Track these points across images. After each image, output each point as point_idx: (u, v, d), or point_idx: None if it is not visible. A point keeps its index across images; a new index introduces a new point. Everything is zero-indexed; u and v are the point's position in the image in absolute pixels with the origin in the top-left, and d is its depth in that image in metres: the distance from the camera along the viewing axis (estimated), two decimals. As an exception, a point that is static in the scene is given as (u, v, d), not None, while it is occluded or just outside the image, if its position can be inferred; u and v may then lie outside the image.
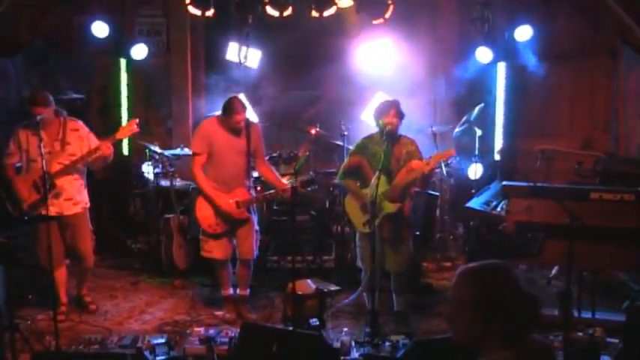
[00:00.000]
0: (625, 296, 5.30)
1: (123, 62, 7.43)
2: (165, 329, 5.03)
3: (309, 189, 6.22)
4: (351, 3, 5.98)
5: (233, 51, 6.80)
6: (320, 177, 6.45)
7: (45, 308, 5.27)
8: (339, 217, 6.43)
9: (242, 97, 5.35)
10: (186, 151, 6.48)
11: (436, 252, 6.73)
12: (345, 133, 6.44)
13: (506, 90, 7.36)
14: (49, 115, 5.04)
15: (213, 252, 5.21)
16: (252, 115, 6.60)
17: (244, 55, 6.53)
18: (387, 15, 6.03)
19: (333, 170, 6.70)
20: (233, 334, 4.38)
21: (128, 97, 7.52)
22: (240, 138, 5.13)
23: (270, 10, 5.96)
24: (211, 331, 4.49)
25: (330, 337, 4.70)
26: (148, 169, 6.74)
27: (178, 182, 6.48)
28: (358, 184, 5.00)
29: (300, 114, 7.56)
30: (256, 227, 5.28)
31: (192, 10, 6.09)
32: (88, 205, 5.35)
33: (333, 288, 5.09)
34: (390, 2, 5.96)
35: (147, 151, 6.56)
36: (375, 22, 6.15)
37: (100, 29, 6.95)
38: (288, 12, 5.97)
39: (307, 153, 6.37)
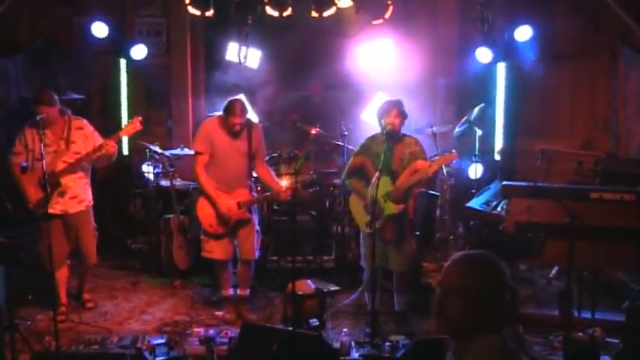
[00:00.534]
0: (625, 296, 5.31)
1: (123, 62, 7.42)
2: (165, 329, 5.03)
3: (310, 190, 6.22)
4: (351, 3, 5.98)
5: (233, 51, 6.79)
6: (320, 177, 6.45)
7: (45, 308, 5.27)
8: (339, 217, 6.43)
9: (243, 98, 5.34)
10: (187, 151, 6.48)
11: (436, 252, 6.72)
12: (345, 133, 6.43)
13: (506, 90, 7.35)
14: (54, 114, 5.12)
15: (214, 252, 5.21)
16: (252, 115, 6.59)
17: (244, 56, 6.53)
18: (387, 15, 6.03)
19: (334, 170, 6.71)
20: (233, 335, 4.38)
21: (128, 97, 7.51)
22: (242, 139, 5.14)
23: (270, 11, 5.96)
24: (211, 332, 4.49)
25: (330, 337, 4.70)
26: (148, 169, 6.75)
27: (178, 182, 6.48)
28: (363, 183, 5.00)
29: (299, 113, 7.55)
30: (257, 227, 5.29)
31: (192, 10, 6.09)
32: (92, 203, 5.41)
33: (333, 288, 5.09)
34: (389, 2, 5.95)
35: (147, 151, 6.56)
36: (374, 22, 6.15)
37: (100, 29, 6.95)
38: (287, 12, 5.97)
39: (307, 150, 6.37)
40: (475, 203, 5.93)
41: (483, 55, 6.92)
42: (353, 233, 6.27)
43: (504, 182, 5.35)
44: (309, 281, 4.98)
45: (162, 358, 4.27)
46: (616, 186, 5.13)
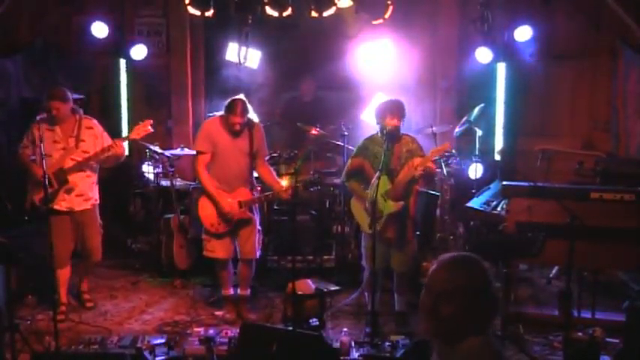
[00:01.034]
0: (625, 296, 5.30)
1: (123, 62, 7.42)
2: (165, 329, 5.03)
3: (312, 190, 6.22)
4: (351, 3, 5.97)
5: (233, 51, 6.79)
6: (320, 177, 6.44)
7: (45, 308, 5.28)
8: (339, 217, 6.43)
9: (244, 98, 5.34)
10: (186, 151, 6.47)
11: (436, 252, 6.71)
12: (345, 133, 6.43)
13: (506, 90, 7.35)
14: (66, 111, 5.18)
15: (215, 251, 5.22)
16: (252, 115, 6.59)
17: (244, 56, 6.53)
18: (387, 15, 6.02)
19: (334, 170, 6.71)
20: (233, 335, 4.38)
21: (128, 97, 7.52)
22: (243, 138, 5.14)
23: (270, 11, 5.95)
24: (211, 332, 4.49)
25: (330, 337, 4.70)
26: (148, 169, 6.75)
27: (179, 182, 6.48)
28: (362, 185, 5.00)
29: (287, 112, 7.56)
30: (258, 227, 5.29)
31: (191, 10, 6.08)
32: (98, 201, 5.46)
33: (333, 288, 5.10)
34: (389, 2, 5.94)
35: (147, 151, 6.56)
36: (374, 22, 6.14)
37: (99, 29, 6.95)
38: (287, 12, 5.96)
39: (307, 150, 6.37)
40: (475, 203, 5.92)
41: (483, 55, 6.92)
42: (353, 233, 6.28)
43: (504, 182, 5.35)
44: (309, 281, 4.99)
45: (162, 357, 4.27)
46: (616, 186, 5.13)
